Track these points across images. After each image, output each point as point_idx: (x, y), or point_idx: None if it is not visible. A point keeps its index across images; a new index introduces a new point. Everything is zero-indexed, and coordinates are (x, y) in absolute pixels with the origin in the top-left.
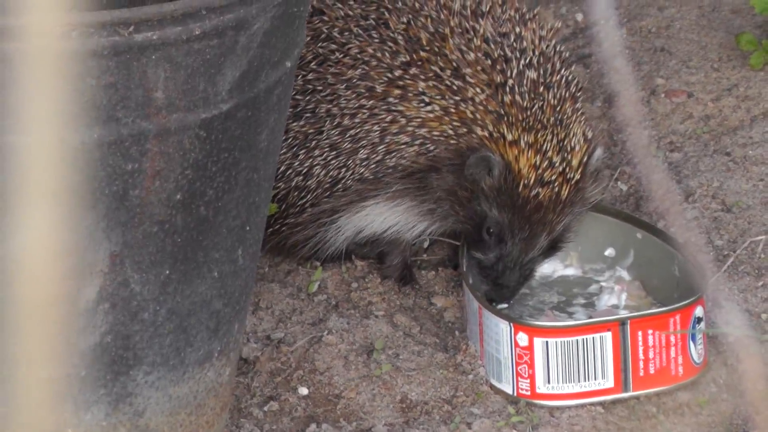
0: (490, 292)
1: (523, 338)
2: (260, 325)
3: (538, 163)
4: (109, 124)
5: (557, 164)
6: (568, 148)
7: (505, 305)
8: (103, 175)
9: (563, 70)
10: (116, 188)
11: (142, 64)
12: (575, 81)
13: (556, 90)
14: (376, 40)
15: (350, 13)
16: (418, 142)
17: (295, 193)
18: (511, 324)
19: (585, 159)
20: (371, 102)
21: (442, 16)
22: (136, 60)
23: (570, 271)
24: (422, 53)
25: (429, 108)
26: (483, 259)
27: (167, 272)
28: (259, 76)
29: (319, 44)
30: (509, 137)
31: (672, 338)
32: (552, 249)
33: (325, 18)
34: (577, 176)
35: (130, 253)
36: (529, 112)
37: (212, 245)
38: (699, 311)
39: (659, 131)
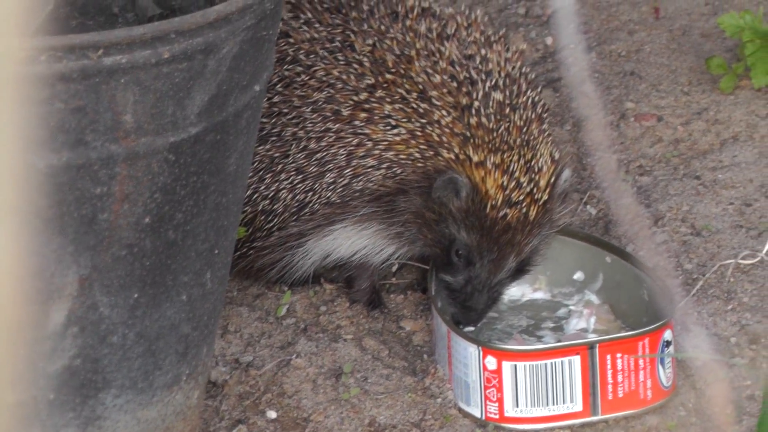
0: (458, 314)
1: (491, 362)
2: (229, 348)
3: (505, 183)
4: (78, 147)
5: (525, 185)
6: (536, 169)
7: (473, 328)
8: (72, 199)
9: (529, 92)
10: (85, 212)
11: (110, 87)
12: (541, 102)
13: (522, 111)
14: (342, 63)
15: (316, 35)
16: (385, 165)
17: (262, 217)
18: (480, 347)
19: (552, 180)
20: (337, 125)
21: (408, 39)
22: (105, 83)
23: (539, 295)
24: (388, 76)
25: (395, 131)
26: (452, 281)
27: (136, 296)
28: (228, 100)
29: (285, 67)
30: (475, 158)
31: (641, 362)
32: (520, 272)
33: (291, 40)
34: (545, 197)
35: (99, 276)
36: (495, 134)
37: (181, 269)
38: (668, 335)
39: (629, 155)
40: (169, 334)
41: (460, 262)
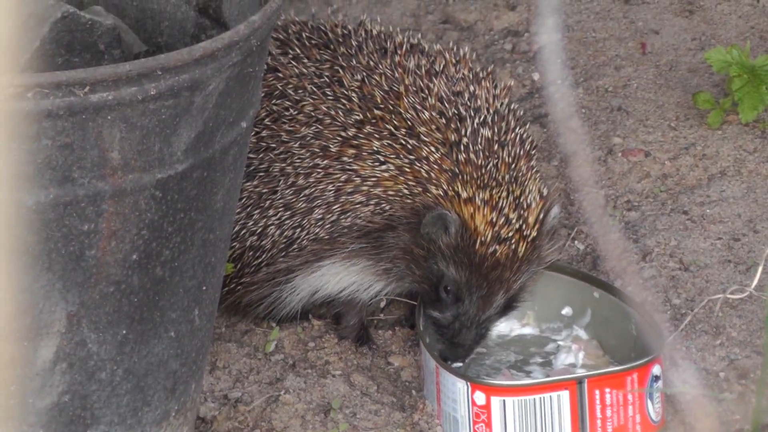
0: (446, 350)
1: (480, 397)
2: (217, 384)
3: (494, 220)
4: (65, 184)
5: (514, 221)
6: (524, 206)
7: (461, 364)
8: (59, 236)
9: (518, 128)
10: (72, 249)
11: (97, 124)
12: (530, 139)
13: (510, 148)
14: (330, 98)
15: (304, 70)
16: (373, 201)
17: (250, 253)
18: (468, 383)
19: (541, 216)
20: (326, 161)
21: (397, 75)
22: (91, 120)
23: (527, 330)
24: (377, 111)
25: (384, 167)
26: (440, 317)
27: (124, 332)
28: (215, 137)
29: (273, 101)
30: (464, 195)
31: (629, 397)
32: (508, 308)
33: (280, 75)
34: (534, 233)
35: (87, 313)
36: (483, 170)
37: (169, 305)
38: (656, 370)
39: (616, 190)
40: (157, 370)
41: (448, 298)
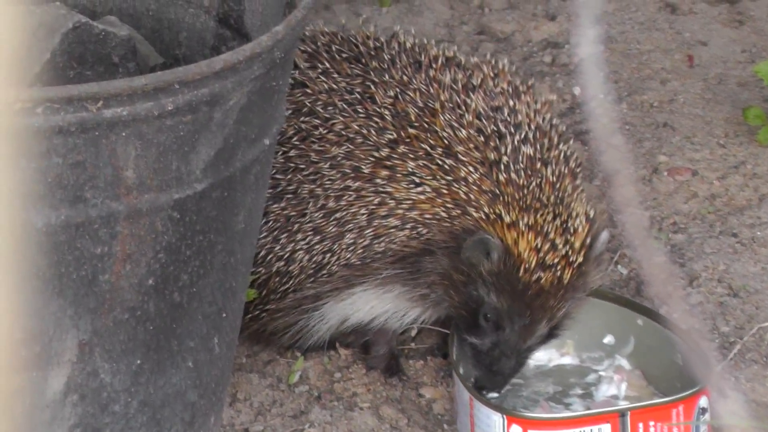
0: (482, 378)
1: (517, 431)
2: (238, 417)
3: (539, 245)
4: (77, 205)
5: (560, 247)
6: (571, 230)
7: (497, 395)
8: (71, 259)
9: (561, 145)
10: (84, 273)
11: (111, 141)
12: (574, 156)
13: (554, 166)
14: (362, 116)
15: (334, 86)
16: (408, 225)
17: (277, 279)
18: (504, 416)
19: (589, 241)
20: (357, 183)
21: (432, 90)
22: (104, 137)
23: (567, 360)
24: (411, 130)
25: (419, 189)
26: (478, 344)
27: (139, 362)
28: (236, 154)
29: (302, 119)
30: (507, 219)
31: (675, 430)
32: (550, 336)
33: (308, 91)
34: (580, 259)
35: (99, 341)
36: (526, 191)
37: (187, 333)
38: (703, 401)
39: (662, 211)
40: (174, 402)
41: (488, 326)
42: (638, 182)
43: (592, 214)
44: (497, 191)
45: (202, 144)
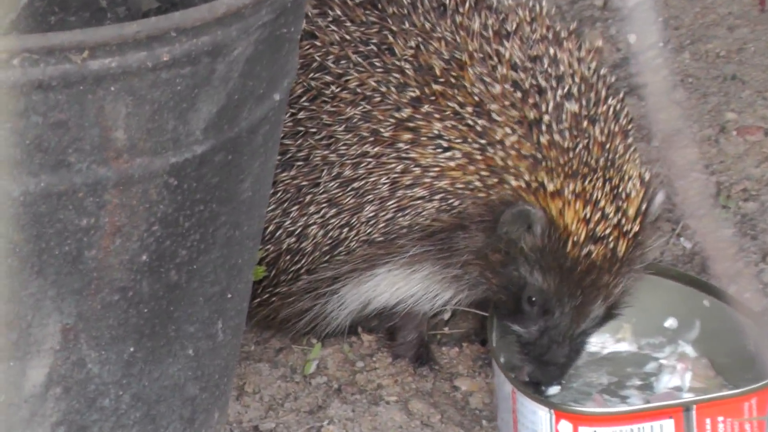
0: (535, 372)
1: (566, 428)
2: (246, 413)
3: (588, 215)
4: (59, 170)
5: (611, 215)
6: (623, 195)
7: (558, 388)
8: (52, 233)
9: (610, 99)
10: (68, 248)
11: (98, 97)
12: (625, 111)
13: (603, 124)
14: (380, 70)
15: (347, 36)
16: (438, 196)
17: (287, 258)
18: (552, 411)
19: (644, 207)
20: (377, 148)
21: (459, 39)
22: (91, 93)
23: (623, 347)
24: (436, 86)
25: (448, 154)
26: (523, 333)
27: (131, 350)
28: (241, 113)
29: (311, 75)
30: (550, 187)
31: (747, 426)
32: (607, 316)
33: (318, 43)
34: (636, 228)
35: (86, 326)
36: (572, 154)
37: (186, 317)
38: None
39: (730, 176)
40: (172, 396)
41: (533, 310)
42: (703, 143)
43: (647, 176)
44: (539, 155)
45: (202, 101)
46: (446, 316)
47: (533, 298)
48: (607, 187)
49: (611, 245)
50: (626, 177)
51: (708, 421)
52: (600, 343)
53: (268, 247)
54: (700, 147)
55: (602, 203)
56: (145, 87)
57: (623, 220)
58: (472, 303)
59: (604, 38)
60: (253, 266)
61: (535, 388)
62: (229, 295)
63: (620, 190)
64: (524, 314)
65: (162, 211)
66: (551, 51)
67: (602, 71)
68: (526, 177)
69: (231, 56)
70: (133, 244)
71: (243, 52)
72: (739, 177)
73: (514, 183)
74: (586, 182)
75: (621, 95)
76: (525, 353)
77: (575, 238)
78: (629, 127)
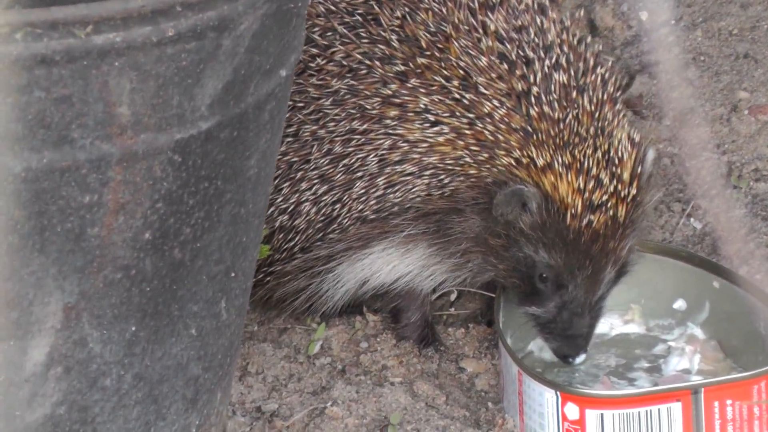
0: (561, 347)
1: (572, 410)
2: (249, 394)
3: (582, 185)
4: (62, 146)
5: (606, 182)
6: (616, 161)
7: (582, 357)
8: (55, 210)
9: (598, 68)
10: (71, 226)
11: (102, 72)
12: (613, 79)
13: (591, 93)
14: (365, 41)
15: (333, 8)
16: (428, 173)
17: (281, 236)
18: (559, 393)
19: (638, 169)
20: (365, 125)
21: (445, 10)
22: (95, 68)
23: (631, 328)
24: (421, 59)
25: (436, 129)
26: (541, 313)
27: (134, 329)
28: (248, 88)
29: None
30: (540, 161)
31: (756, 410)
32: (619, 276)
33: None
34: (633, 191)
35: (88, 305)
36: (562, 125)
37: (189, 296)
38: None
39: (742, 156)
40: (175, 375)
41: (547, 288)
42: (714, 122)
43: (636, 137)
44: (529, 128)
45: (208, 76)
46: (452, 296)
47: (545, 275)
48: (599, 154)
49: (611, 212)
50: (616, 142)
51: (716, 404)
52: (608, 324)
53: None
54: (712, 126)
55: (595, 171)
56: (150, 62)
57: (619, 186)
58: (478, 284)
59: (615, 15)
60: (258, 245)
61: (563, 360)
62: (233, 274)
63: (612, 155)
64: (539, 294)
65: (166, 188)
66: (538, 20)
67: (588, 39)
68: (517, 153)
69: (237, 31)
70: (136, 222)
71: (249, 27)
72: (751, 157)
73: (505, 160)
74: (577, 152)
75: (609, 63)
76: (547, 332)
77: (573, 210)
78: (617, 94)
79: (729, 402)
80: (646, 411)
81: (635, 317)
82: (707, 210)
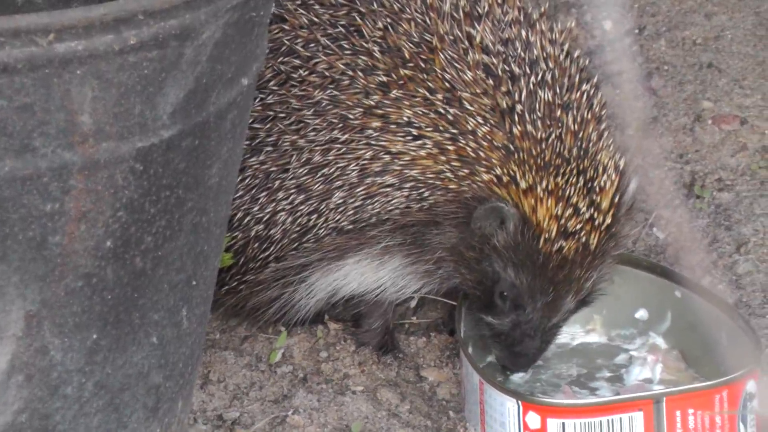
0: (504, 358)
1: (534, 419)
2: (210, 402)
3: (560, 212)
4: (24, 155)
5: (583, 210)
6: (597, 189)
7: (522, 374)
8: (16, 218)
9: (583, 85)
10: (32, 234)
11: (64, 81)
12: (599, 96)
13: (576, 112)
14: (348, 52)
15: (316, 19)
16: (408, 185)
17: (256, 245)
18: (520, 402)
19: (617, 198)
20: (346, 135)
21: (429, 20)
22: (57, 76)
23: (593, 338)
24: (404, 71)
25: (419, 143)
26: (495, 323)
27: (95, 337)
28: (209, 97)
29: (280, 59)
30: (522, 183)
31: (718, 420)
32: (580, 305)
33: (286, 26)
34: (608, 220)
35: (49, 313)
36: (544, 144)
37: (151, 304)
38: (751, 387)
39: (705, 166)
40: (136, 384)
41: (505, 305)
42: (678, 132)
43: (621, 164)
44: (511, 146)
45: (170, 85)
46: (413, 304)
47: (505, 293)
48: (581, 181)
49: (583, 239)
50: (600, 168)
51: (678, 413)
52: (570, 334)
53: (237, 234)
54: (675, 136)
55: (575, 199)
56: (112, 71)
57: (596, 214)
58: (440, 292)
59: (579, 24)
60: (220, 253)
61: (501, 371)
62: (195, 283)
63: (594, 183)
64: (496, 308)
65: (128, 196)
66: (523, 34)
67: (575, 53)
68: (498, 170)
69: (199, 40)
70: (98, 230)
71: (212, 36)
72: (714, 167)
73: (485, 177)
74: (559, 177)
75: (594, 80)
76: (497, 340)
77: (547, 235)
78: (603, 112)
79: (691, 411)
80: (608, 420)
81: (597, 327)
82: (670, 220)
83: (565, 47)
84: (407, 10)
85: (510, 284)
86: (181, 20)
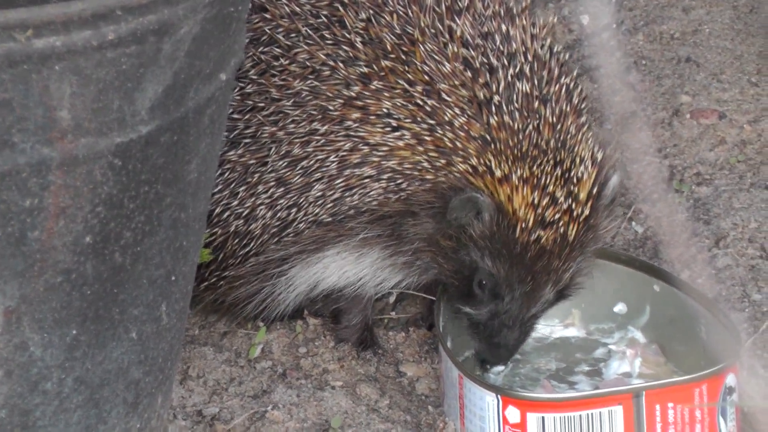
0: (483, 351)
1: (513, 413)
2: (190, 397)
3: (536, 200)
4: (2, 151)
5: (561, 200)
6: (574, 179)
7: (501, 368)
8: None
9: (563, 78)
10: (11, 230)
11: (43, 76)
12: (578, 90)
13: (554, 104)
14: (329, 43)
15: (297, 9)
16: (386, 176)
17: (235, 240)
18: (499, 396)
19: (595, 190)
20: (325, 126)
21: (411, 13)
22: (35, 72)
23: (571, 332)
24: (385, 62)
25: (397, 134)
26: (474, 314)
27: (75, 333)
28: (188, 93)
29: (260, 49)
30: (498, 172)
31: (697, 413)
32: (557, 299)
33: (268, 16)
34: (587, 212)
35: (28, 309)
36: (521, 135)
37: (130, 300)
38: (731, 380)
39: (683, 160)
40: (115, 379)
41: (484, 294)
42: (656, 126)
43: (599, 156)
44: (488, 137)
45: (148, 80)
46: (391, 299)
47: (483, 282)
48: (558, 171)
49: (561, 230)
50: (578, 159)
51: (658, 407)
52: (548, 328)
53: (216, 230)
54: (654, 130)
55: (551, 188)
56: (91, 66)
57: (573, 204)
58: (419, 287)
59: (557, 19)
60: (199, 249)
61: (481, 365)
62: (174, 278)
63: (572, 174)
64: (475, 298)
65: (107, 192)
66: (503, 28)
67: (555, 48)
68: (474, 161)
69: (177, 35)
70: (77, 226)
71: (190, 31)
72: (693, 161)
73: (461, 167)
74: (535, 167)
75: (575, 73)
76: (474, 332)
77: (524, 224)
78: (582, 106)
79: (671, 405)
80: (588, 414)
81: (576, 321)
82: (649, 214)
83: (547, 42)
84: (390, 2)
85: (488, 273)
86: (160, 15)
